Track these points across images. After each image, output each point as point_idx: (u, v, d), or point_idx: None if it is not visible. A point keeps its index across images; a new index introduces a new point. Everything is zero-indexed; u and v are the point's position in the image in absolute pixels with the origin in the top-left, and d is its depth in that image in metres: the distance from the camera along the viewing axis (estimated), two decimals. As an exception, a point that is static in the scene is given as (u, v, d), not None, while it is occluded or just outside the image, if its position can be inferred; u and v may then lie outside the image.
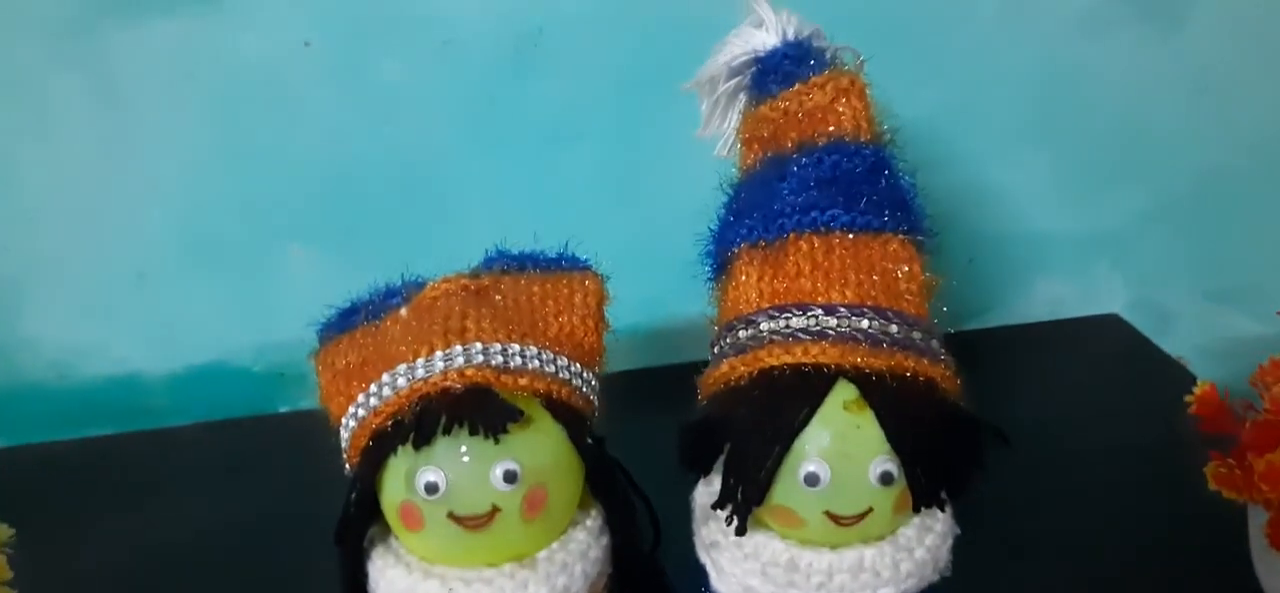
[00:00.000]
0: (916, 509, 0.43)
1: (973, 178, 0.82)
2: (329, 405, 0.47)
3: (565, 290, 0.48)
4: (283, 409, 0.82)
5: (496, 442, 0.41)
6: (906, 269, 0.44)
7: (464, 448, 0.41)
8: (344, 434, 0.45)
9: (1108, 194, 0.84)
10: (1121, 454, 0.71)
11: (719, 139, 0.53)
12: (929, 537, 0.44)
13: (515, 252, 0.50)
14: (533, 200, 0.77)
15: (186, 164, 0.74)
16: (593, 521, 0.45)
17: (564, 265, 0.49)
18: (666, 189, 0.75)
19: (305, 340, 0.79)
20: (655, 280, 0.69)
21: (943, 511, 0.44)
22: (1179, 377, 0.80)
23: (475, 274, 0.48)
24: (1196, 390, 0.56)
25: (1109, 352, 0.85)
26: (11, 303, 0.77)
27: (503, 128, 0.76)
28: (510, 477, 0.41)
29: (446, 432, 0.41)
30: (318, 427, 0.79)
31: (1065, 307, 0.88)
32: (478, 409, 0.41)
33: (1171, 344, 0.84)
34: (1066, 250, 0.86)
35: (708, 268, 0.49)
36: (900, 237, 0.45)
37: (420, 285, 0.48)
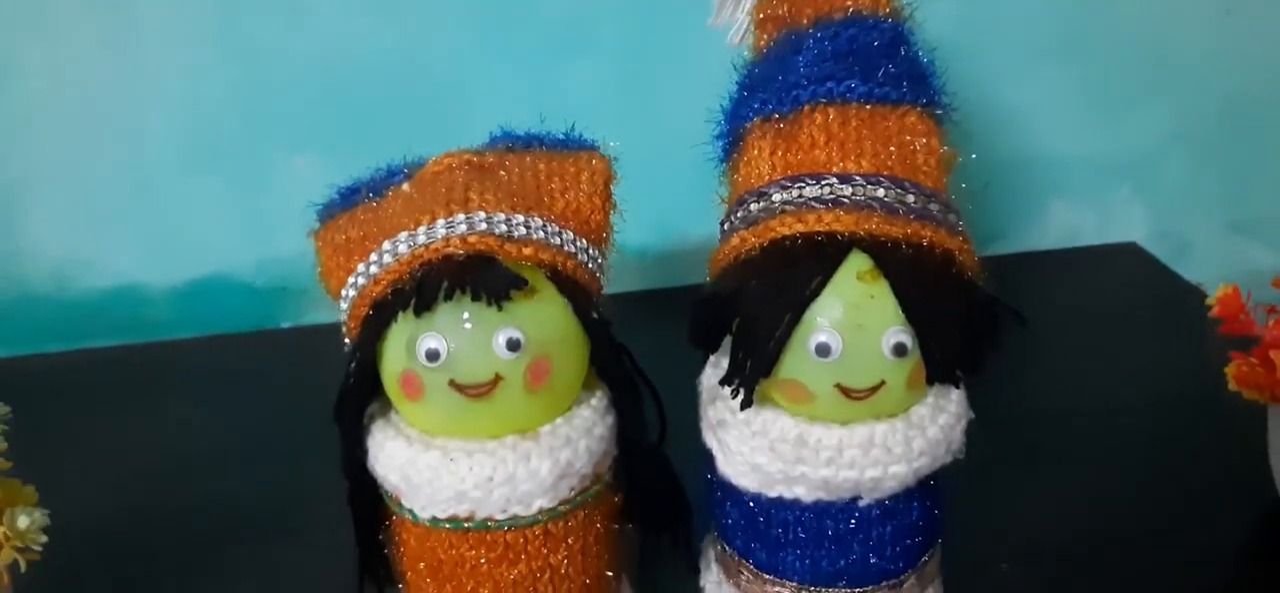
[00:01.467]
0: (930, 383, 0.41)
1: (992, 97, 0.80)
2: (328, 282, 0.46)
3: (572, 169, 0.46)
4: (284, 325, 0.82)
5: (500, 309, 0.40)
6: (924, 142, 0.43)
7: (466, 314, 0.40)
8: (343, 306, 0.44)
9: (1130, 118, 0.82)
10: (1142, 380, 0.69)
11: (732, 29, 0.51)
12: (942, 416, 0.43)
13: (520, 132, 0.48)
14: (538, 114, 0.76)
15: (189, 69, 0.73)
16: (598, 400, 0.44)
17: (571, 146, 0.48)
18: (676, 106, 0.73)
19: (308, 253, 0.79)
20: (664, 200, 0.68)
21: (956, 387, 0.43)
22: (1200, 306, 0.79)
23: (479, 152, 0.46)
24: (1218, 292, 0.55)
25: (1129, 280, 0.84)
26: (11, 212, 0.76)
27: (510, 38, 0.74)
28: (513, 345, 0.40)
29: (448, 297, 0.40)
30: (320, 342, 0.79)
31: (1083, 234, 0.86)
32: (480, 275, 0.40)
33: (1189, 275, 0.82)
34: (1085, 175, 0.85)
35: (719, 147, 0.48)
36: (918, 110, 0.43)
37: (422, 164, 0.46)
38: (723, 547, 0.48)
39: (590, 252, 0.45)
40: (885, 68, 0.44)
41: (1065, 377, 0.71)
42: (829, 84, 0.43)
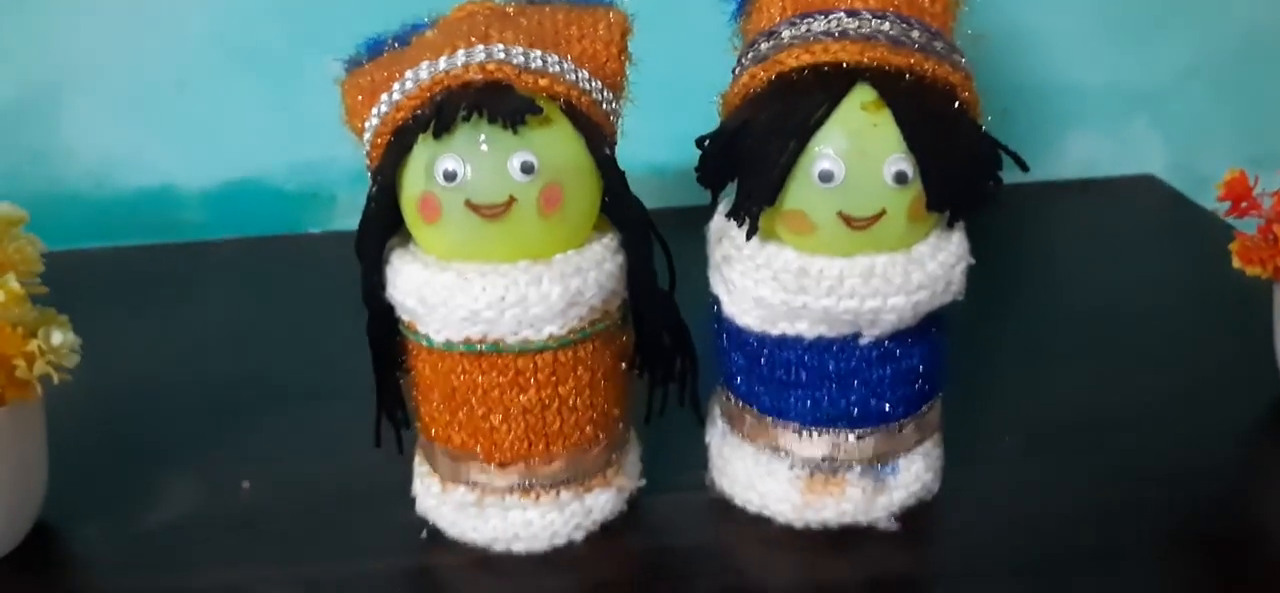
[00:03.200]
0: (930, 209, 0.42)
1: (1010, 21, 0.81)
2: (353, 122, 0.47)
3: (588, 18, 0.48)
4: (313, 230, 0.84)
5: (515, 132, 0.42)
6: (930, -13, 0.44)
7: (483, 137, 0.42)
8: (366, 139, 0.46)
9: (1150, 48, 0.83)
10: (1157, 289, 0.70)
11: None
12: (941, 254, 0.44)
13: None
14: None
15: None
16: (609, 240, 0.46)
17: (589, 2, 0.49)
18: (695, 15, 0.74)
19: (338, 160, 0.81)
20: (683, 116, 0.69)
21: (956, 221, 0.44)
22: (1220, 234, 0.79)
23: (501, 2, 0.48)
24: (1226, 175, 0.56)
25: (1147, 209, 0.84)
26: (50, 109, 0.78)
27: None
28: (527, 168, 0.42)
29: (466, 119, 0.42)
30: (348, 249, 0.81)
31: (1099, 165, 0.87)
32: (497, 99, 0.42)
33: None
34: (1103, 105, 0.85)
35: (733, 5, 0.49)
36: (926, -42, 0.45)
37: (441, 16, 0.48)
38: (727, 397, 0.49)
39: (605, 94, 0.46)
40: (893, -83, 0.45)
41: (1077, 285, 0.72)
42: (839, -68, 0.44)
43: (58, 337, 0.45)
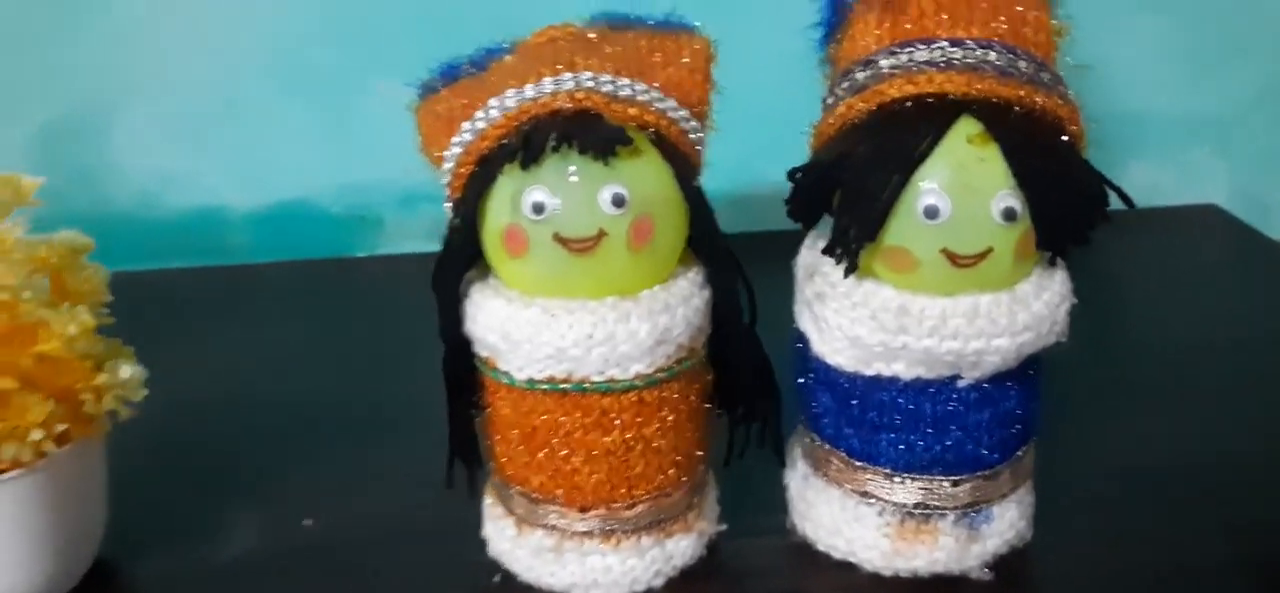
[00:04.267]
0: (1041, 248, 0.41)
1: (1074, 47, 0.79)
2: (430, 151, 0.46)
3: (672, 45, 0.46)
4: (360, 254, 0.82)
5: (606, 164, 0.40)
6: (1034, 15, 0.42)
7: (573, 168, 0.40)
8: (446, 168, 0.44)
9: (1216, 74, 0.81)
10: (1229, 347, 0.68)
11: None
12: (1046, 293, 0.42)
13: (619, 13, 0.48)
14: None
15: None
16: (695, 274, 0.44)
17: (671, 26, 0.48)
18: (753, 38, 0.73)
19: (387, 182, 0.80)
20: (741, 140, 0.67)
21: (1063, 257, 0.42)
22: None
23: (580, 26, 0.46)
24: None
25: (1212, 239, 0.82)
26: (101, 128, 0.77)
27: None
28: (618, 201, 0.40)
29: (555, 150, 0.40)
30: (395, 273, 0.80)
31: (1161, 194, 0.85)
32: (587, 130, 0.40)
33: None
34: (1167, 133, 0.83)
35: (820, 35, 0.47)
36: (1027, -15, 0.43)
37: (520, 41, 0.47)
38: (811, 438, 0.48)
39: (691, 123, 0.45)
40: (993, -57, 0.43)
41: (1148, 319, 0.70)
42: (936, -41, 0.43)
43: (126, 370, 0.44)
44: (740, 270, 0.46)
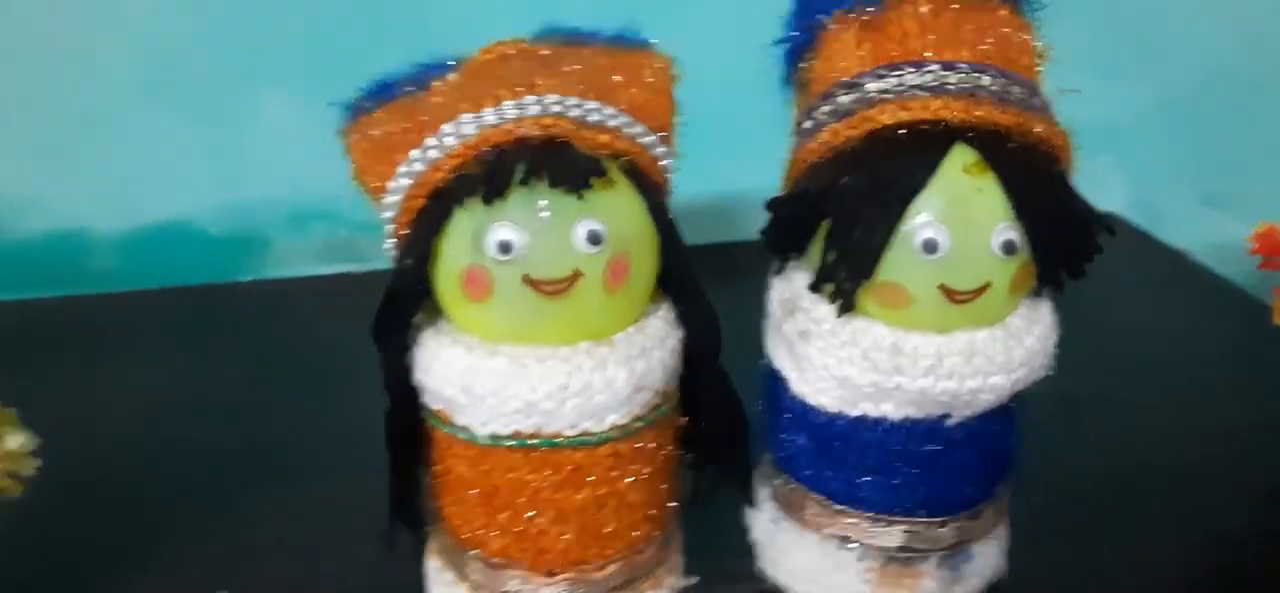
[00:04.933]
0: (1042, 283, 0.39)
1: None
2: (365, 180, 0.41)
3: (632, 63, 0.42)
4: (244, 278, 0.75)
5: (579, 198, 0.36)
6: (1021, 37, 0.41)
7: (543, 202, 0.36)
8: (389, 201, 0.39)
9: (1117, 85, 0.82)
10: (1145, 342, 0.69)
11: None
12: (1037, 327, 0.41)
13: (569, 28, 0.44)
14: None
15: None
16: (665, 311, 0.41)
17: (627, 43, 0.44)
18: (703, 40, 0.70)
19: (275, 200, 0.73)
20: (695, 149, 0.64)
21: (1060, 290, 0.40)
22: (1193, 274, 0.79)
23: (532, 42, 0.42)
24: (1258, 228, 0.55)
25: (1116, 248, 0.84)
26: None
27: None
28: (594, 238, 0.36)
29: (523, 183, 0.36)
30: (285, 298, 0.73)
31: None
32: (558, 160, 0.36)
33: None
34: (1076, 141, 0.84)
35: (784, 52, 0.44)
36: (1008, 5, 0.41)
37: (465, 58, 0.42)
38: (784, 480, 0.45)
39: (660, 149, 0.41)
40: (974, -38, 0.41)
41: (1070, 332, 0.71)
42: (918, -25, 0.40)
43: (14, 440, 0.37)
44: (708, 305, 0.43)
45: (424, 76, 0.42)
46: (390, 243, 0.40)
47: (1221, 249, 0.89)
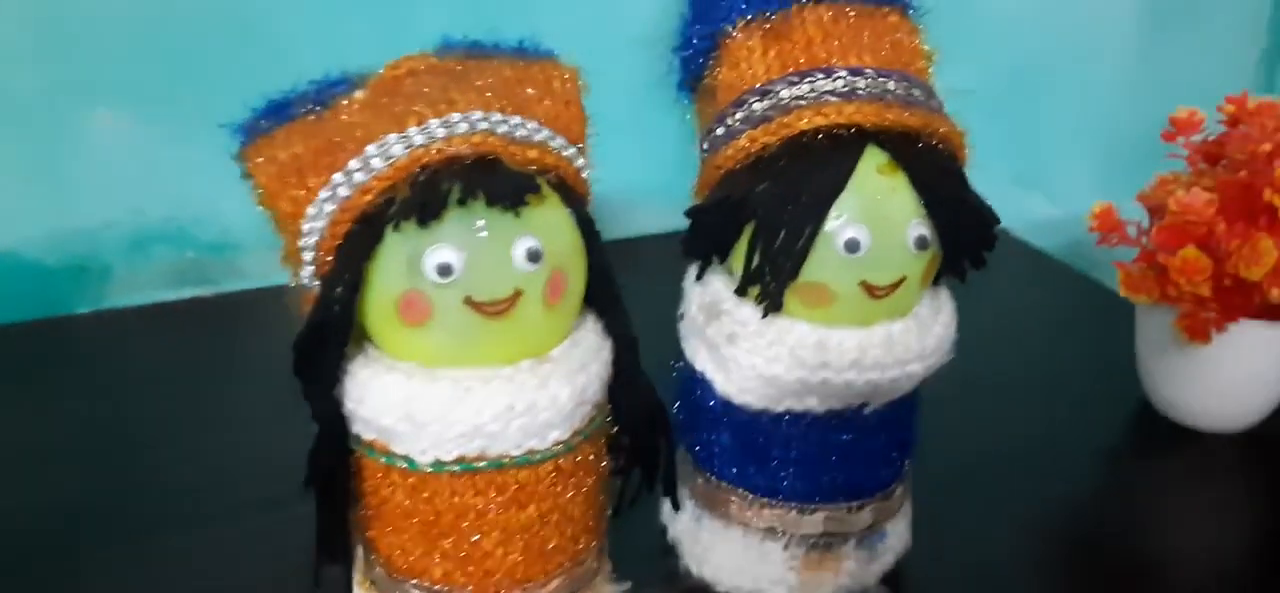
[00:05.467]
0: (951, 274, 0.42)
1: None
2: (275, 205, 0.39)
3: (540, 75, 0.42)
4: (83, 310, 0.70)
5: (517, 215, 0.36)
6: (913, 41, 0.43)
7: (481, 222, 0.36)
8: (308, 227, 0.38)
9: (938, 72, 0.88)
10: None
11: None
12: (942, 314, 0.43)
13: (469, 40, 0.44)
14: (388, 50, 0.69)
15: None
16: (593, 323, 0.41)
17: (530, 54, 0.44)
18: (565, 31, 0.70)
19: (114, 223, 0.68)
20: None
21: (963, 280, 0.43)
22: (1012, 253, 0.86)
23: (439, 56, 0.41)
24: (1095, 208, 0.60)
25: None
26: None
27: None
28: (533, 255, 0.36)
29: (461, 203, 0.35)
30: (128, 331, 0.69)
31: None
32: (492, 178, 0.36)
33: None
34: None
35: (681, 59, 0.45)
36: (898, 10, 0.44)
37: (365, 74, 0.41)
38: (705, 478, 0.46)
39: (580, 161, 0.41)
40: (863, -31, 0.43)
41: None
42: (816, -16, 0.42)
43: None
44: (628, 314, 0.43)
45: (323, 95, 0.41)
46: (308, 270, 0.39)
47: (1035, 226, 0.97)
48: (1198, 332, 0.55)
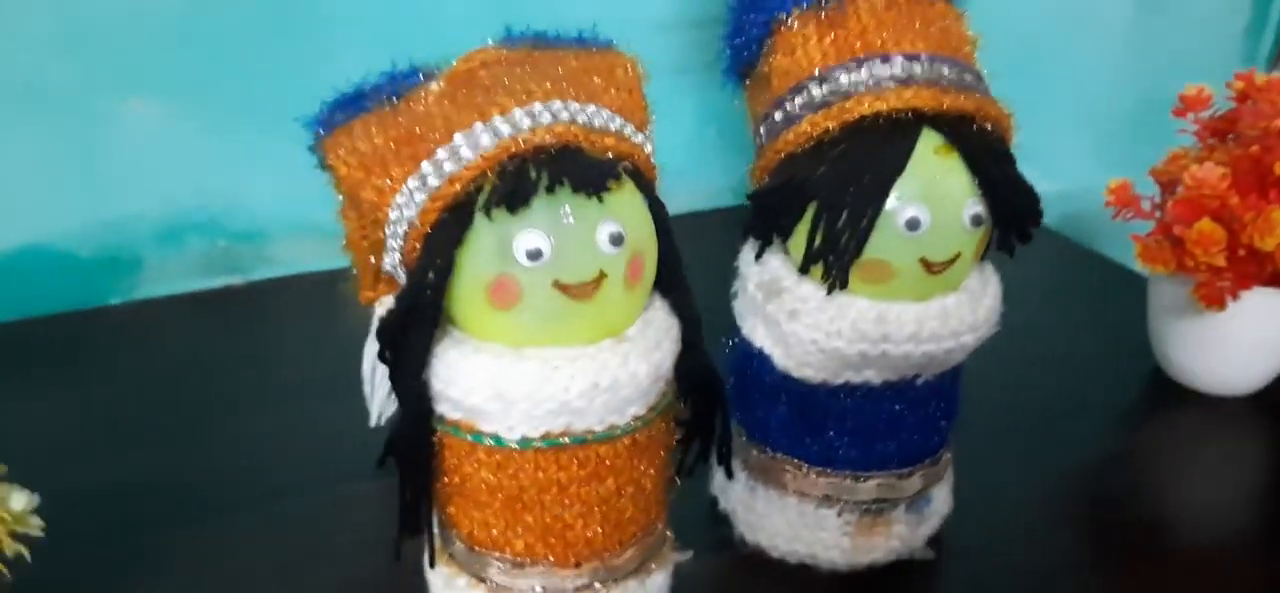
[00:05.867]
0: (1002, 249, 0.44)
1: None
2: (359, 194, 0.40)
3: (604, 65, 0.44)
4: (115, 301, 0.70)
5: (600, 201, 0.37)
6: (958, 29, 0.45)
7: (567, 208, 0.37)
8: (396, 216, 0.39)
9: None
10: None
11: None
12: (990, 287, 0.45)
13: (532, 32, 0.45)
14: (428, 30, 0.70)
15: (2, -5, 0.61)
16: (661, 303, 0.43)
17: (591, 44, 0.45)
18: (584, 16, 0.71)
19: (145, 215, 0.69)
20: None
21: (1011, 255, 0.45)
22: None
23: (508, 48, 0.43)
24: (1112, 183, 0.62)
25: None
26: None
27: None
28: (616, 239, 0.38)
29: (549, 191, 0.37)
30: (162, 321, 0.69)
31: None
32: (578, 166, 0.38)
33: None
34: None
35: (732, 46, 0.47)
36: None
37: (435, 67, 0.42)
38: (759, 450, 0.48)
39: (648, 147, 0.43)
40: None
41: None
42: (868, -28, 0.44)
43: (19, 500, 0.35)
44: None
45: (396, 87, 0.42)
46: (392, 258, 0.40)
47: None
48: (1214, 300, 0.57)
